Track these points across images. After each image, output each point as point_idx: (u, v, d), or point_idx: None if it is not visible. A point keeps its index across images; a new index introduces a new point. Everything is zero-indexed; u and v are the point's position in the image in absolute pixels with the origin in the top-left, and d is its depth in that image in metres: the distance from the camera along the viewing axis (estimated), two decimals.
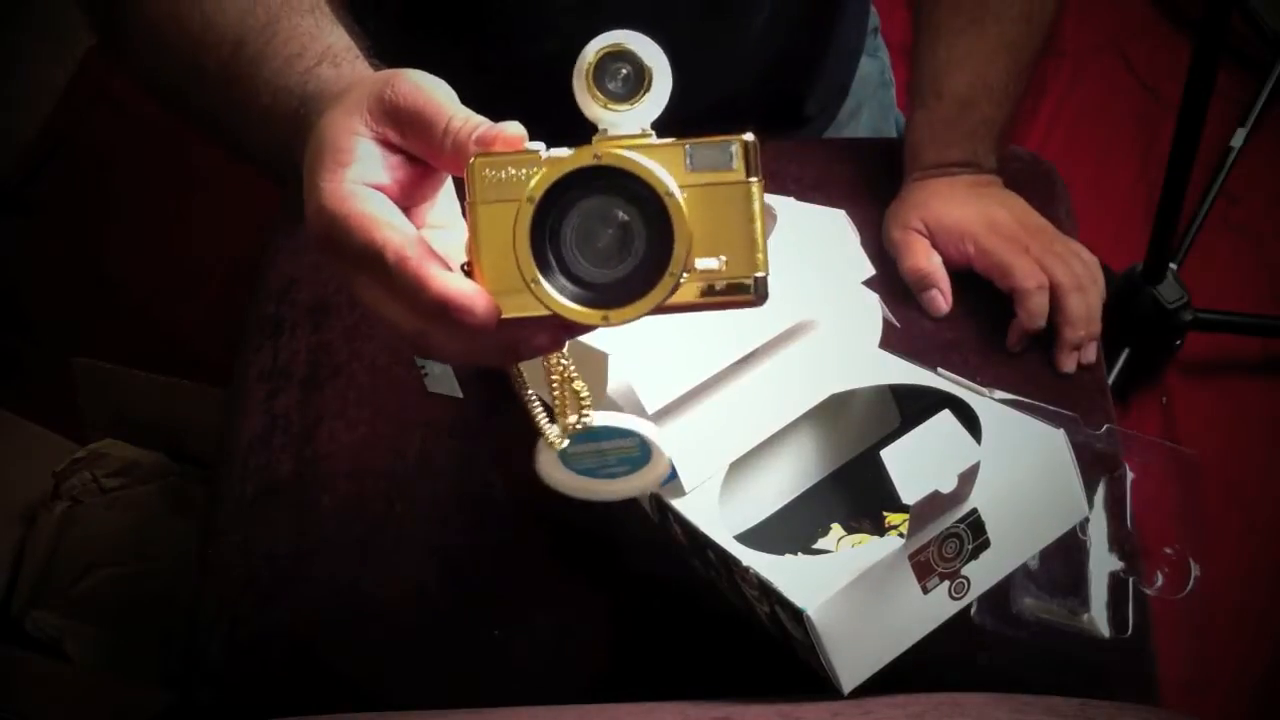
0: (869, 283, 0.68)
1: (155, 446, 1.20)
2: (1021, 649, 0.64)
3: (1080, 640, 0.64)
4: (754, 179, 0.41)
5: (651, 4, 0.82)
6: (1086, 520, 0.62)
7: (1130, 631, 0.64)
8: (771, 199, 0.71)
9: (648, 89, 0.41)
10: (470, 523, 0.76)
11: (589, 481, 0.52)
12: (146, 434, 1.21)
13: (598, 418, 0.48)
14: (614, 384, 0.61)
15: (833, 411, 0.69)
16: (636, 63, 0.41)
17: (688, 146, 0.41)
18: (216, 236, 1.53)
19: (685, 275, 0.40)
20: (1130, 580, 0.65)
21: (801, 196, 0.72)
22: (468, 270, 0.42)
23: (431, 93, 0.43)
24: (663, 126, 0.42)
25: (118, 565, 1.14)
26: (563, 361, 0.46)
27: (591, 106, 0.42)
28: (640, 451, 0.50)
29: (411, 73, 0.44)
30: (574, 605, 0.72)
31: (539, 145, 0.42)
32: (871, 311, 0.69)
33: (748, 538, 0.67)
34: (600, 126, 0.42)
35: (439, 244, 0.43)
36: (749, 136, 0.41)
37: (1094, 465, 0.66)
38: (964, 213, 0.79)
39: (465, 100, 0.44)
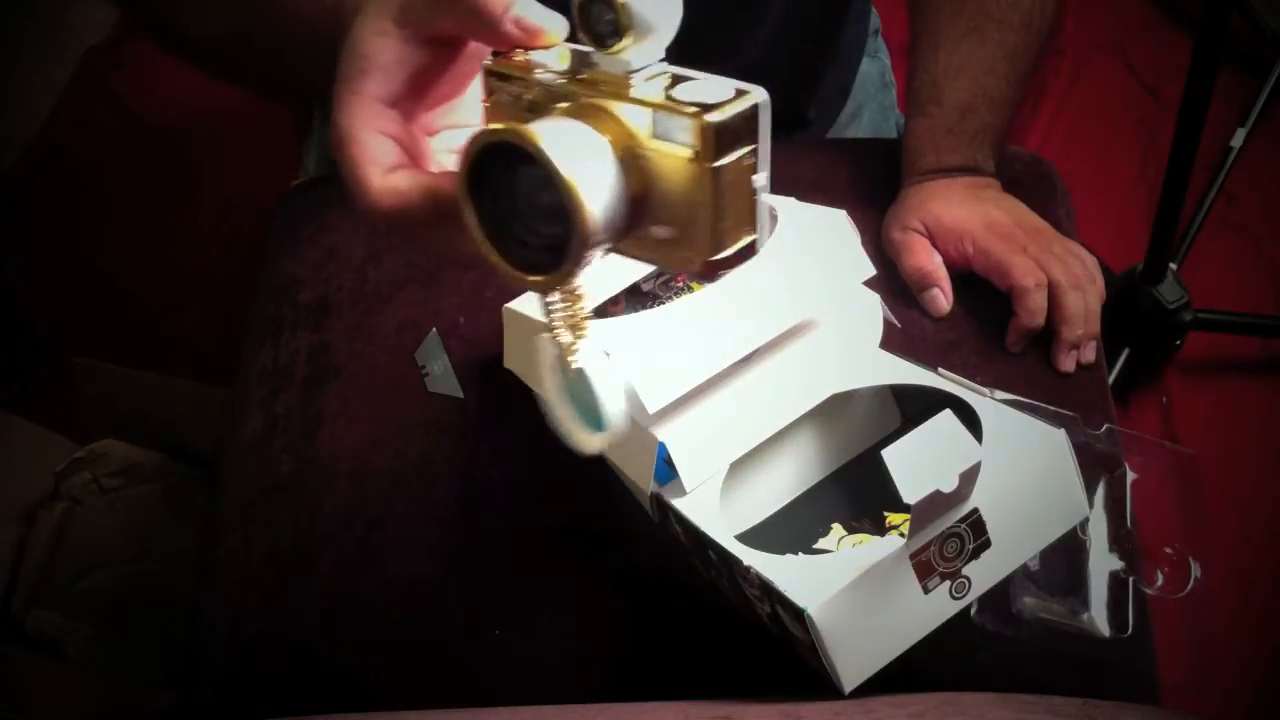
0: (870, 283, 0.68)
1: (155, 446, 1.20)
2: (1021, 649, 0.64)
3: (1080, 640, 0.64)
4: (718, 162, 0.38)
5: None
6: (1086, 520, 0.62)
7: (1130, 631, 0.64)
8: (772, 199, 0.71)
9: (630, 36, 0.39)
10: (470, 523, 0.76)
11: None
12: (146, 434, 1.21)
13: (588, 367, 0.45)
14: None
15: (834, 411, 0.69)
16: (616, 8, 0.39)
17: (654, 114, 0.39)
18: (217, 236, 1.53)
19: (600, 247, 0.39)
20: (1130, 580, 0.65)
21: (802, 197, 0.72)
22: None
23: None
24: None
25: (118, 565, 1.14)
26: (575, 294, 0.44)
27: (585, 41, 0.41)
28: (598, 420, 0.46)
29: None
30: (575, 605, 0.73)
31: (557, 50, 0.42)
32: (872, 311, 0.69)
33: (749, 537, 0.67)
34: (593, 60, 0.41)
35: (458, 142, 0.44)
36: (715, 118, 0.38)
37: (1094, 465, 0.66)
38: (963, 213, 0.79)
39: None
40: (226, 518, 0.77)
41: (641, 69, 0.40)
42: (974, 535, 0.55)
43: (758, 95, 0.39)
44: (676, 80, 0.40)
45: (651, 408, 0.60)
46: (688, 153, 0.38)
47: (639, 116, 0.39)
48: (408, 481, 0.77)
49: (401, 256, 0.86)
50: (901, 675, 0.56)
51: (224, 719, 0.73)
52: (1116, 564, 0.65)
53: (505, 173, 0.40)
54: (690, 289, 0.71)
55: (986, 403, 0.63)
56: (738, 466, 0.65)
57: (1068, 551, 0.64)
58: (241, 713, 0.72)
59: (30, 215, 1.59)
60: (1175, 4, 1.63)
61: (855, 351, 0.68)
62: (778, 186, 0.90)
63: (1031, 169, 0.89)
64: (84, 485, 1.17)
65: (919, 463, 0.51)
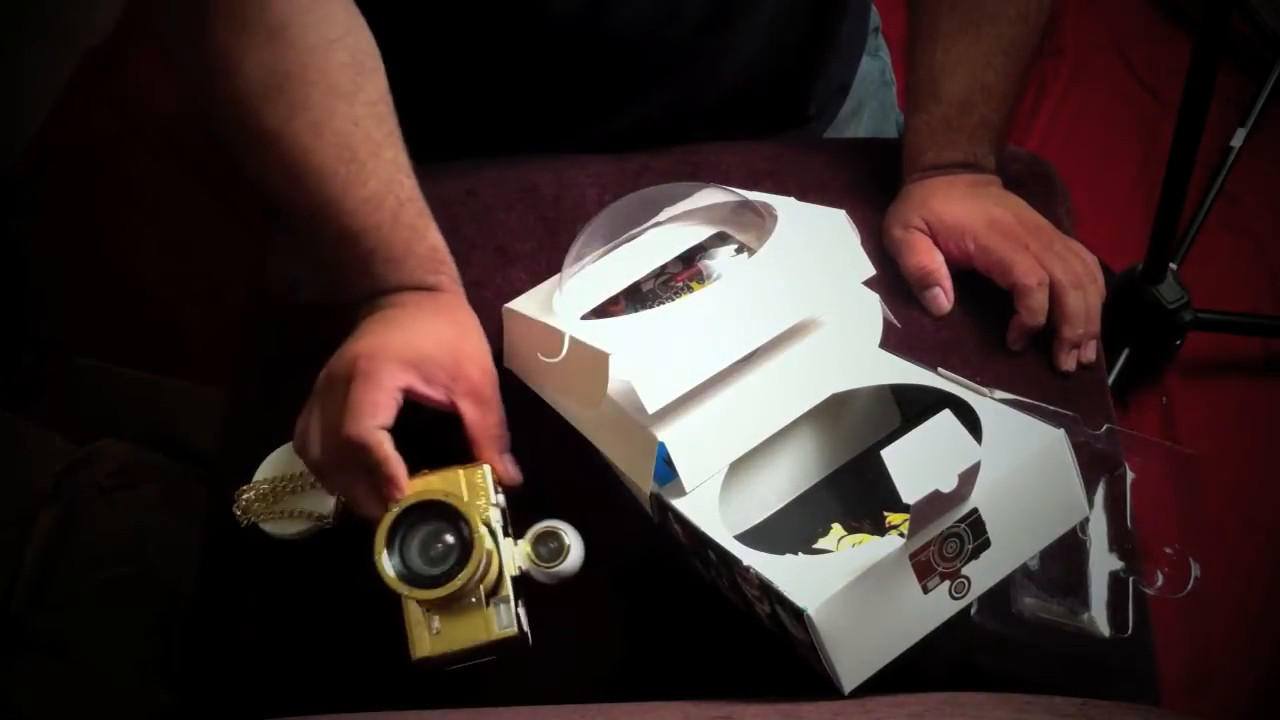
0: (869, 283, 0.68)
1: (155, 446, 1.20)
2: (1021, 649, 0.64)
3: (1080, 640, 0.64)
4: (501, 636, 0.63)
5: (654, 2, 0.82)
6: (1086, 520, 0.62)
7: (1130, 631, 0.64)
8: (771, 199, 0.71)
9: (551, 565, 0.66)
10: None
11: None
12: (146, 434, 1.21)
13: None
14: (614, 384, 0.61)
15: (833, 411, 0.69)
16: (559, 540, 0.66)
17: (493, 600, 0.64)
18: (217, 236, 1.53)
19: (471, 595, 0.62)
20: (1130, 580, 0.65)
21: (801, 196, 0.72)
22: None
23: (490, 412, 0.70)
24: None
25: (118, 565, 1.14)
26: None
27: (530, 557, 0.66)
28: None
29: (481, 372, 0.70)
30: (575, 605, 0.72)
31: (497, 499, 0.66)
32: (872, 311, 0.69)
33: (748, 537, 0.67)
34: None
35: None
36: (506, 634, 0.64)
37: (1094, 465, 0.66)
38: (964, 209, 0.79)
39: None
40: (226, 518, 0.77)
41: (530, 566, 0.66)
42: (973, 535, 0.55)
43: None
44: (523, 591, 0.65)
45: (651, 408, 0.60)
46: (492, 619, 0.63)
47: (506, 563, 0.65)
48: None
49: None
50: (901, 675, 0.56)
51: (223, 719, 0.73)
52: (1116, 564, 0.65)
53: (421, 515, 0.62)
54: (690, 289, 0.71)
55: (986, 402, 0.63)
56: (737, 466, 0.65)
57: (1068, 551, 0.64)
58: (241, 713, 0.72)
59: (30, 216, 1.59)
60: (1175, 4, 1.63)
61: (855, 351, 0.68)
62: (778, 186, 0.90)
63: (1031, 168, 0.89)
64: (84, 485, 1.17)
65: (918, 463, 0.51)
